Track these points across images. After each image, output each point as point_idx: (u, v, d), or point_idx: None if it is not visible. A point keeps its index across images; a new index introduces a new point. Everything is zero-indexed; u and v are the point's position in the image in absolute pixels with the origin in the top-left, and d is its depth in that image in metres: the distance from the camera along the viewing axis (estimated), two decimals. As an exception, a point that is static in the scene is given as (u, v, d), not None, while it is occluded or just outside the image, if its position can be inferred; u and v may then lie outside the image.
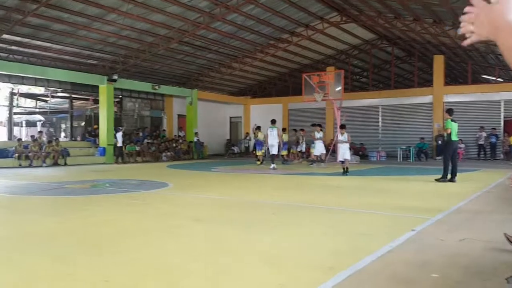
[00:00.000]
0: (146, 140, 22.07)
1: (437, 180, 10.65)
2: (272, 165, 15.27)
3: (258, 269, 3.53)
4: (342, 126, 13.88)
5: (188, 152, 23.73)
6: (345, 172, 12.85)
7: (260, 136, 18.39)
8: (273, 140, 16.36)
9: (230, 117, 30.15)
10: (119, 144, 19.32)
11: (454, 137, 10.77)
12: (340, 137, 13.55)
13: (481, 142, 20.73)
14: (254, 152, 19.47)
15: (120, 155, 19.47)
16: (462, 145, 20.74)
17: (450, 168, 10.62)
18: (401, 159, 21.55)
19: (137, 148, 21.02)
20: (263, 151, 18.40)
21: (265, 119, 26.97)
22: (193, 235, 4.89)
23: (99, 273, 3.41)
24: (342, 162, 13.33)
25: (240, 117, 29.46)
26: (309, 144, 19.45)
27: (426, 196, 8.34)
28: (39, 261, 3.77)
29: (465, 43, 1.41)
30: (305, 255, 3.99)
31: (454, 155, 11.07)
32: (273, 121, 17.09)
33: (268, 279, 3.26)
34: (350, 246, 4.29)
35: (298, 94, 22.83)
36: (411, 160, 21.19)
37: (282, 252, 4.09)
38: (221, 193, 8.84)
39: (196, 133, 24.10)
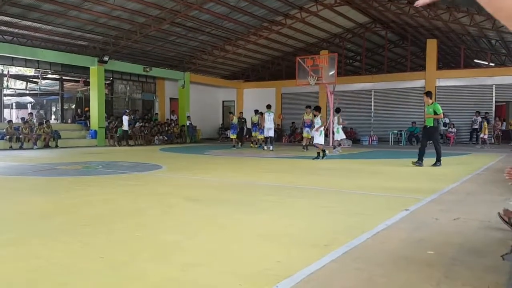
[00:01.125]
0: (138, 123, 21.93)
1: (433, 165, 10.31)
2: (271, 147, 16.56)
3: (255, 246, 3.54)
4: (317, 109, 13.13)
5: (180, 136, 23.65)
6: (318, 156, 12.25)
7: (235, 120, 19.07)
8: (270, 124, 16.89)
9: (223, 101, 30.04)
10: (125, 127, 19.31)
11: (430, 122, 10.33)
12: (315, 121, 12.93)
13: (475, 126, 20.86)
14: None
15: (125, 138, 19.46)
16: (454, 130, 20.90)
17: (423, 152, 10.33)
18: (392, 143, 21.69)
19: (129, 131, 20.88)
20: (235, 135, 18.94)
21: (258, 103, 26.95)
22: (188, 214, 4.88)
23: (94, 250, 3.39)
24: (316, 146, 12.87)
25: (233, 101, 29.36)
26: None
27: (418, 178, 8.40)
28: (33, 240, 3.74)
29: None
30: (301, 233, 4.00)
31: (430, 140, 10.65)
32: (269, 106, 17.70)
33: (265, 256, 3.27)
34: (345, 225, 4.31)
35: (292, 78, 22.76)
36: (403, 144, 21.33)
37: (278, 230, 4.11)
38: (215, 175, 8.85)
39: (188, 117, 24.00)
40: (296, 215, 4.82)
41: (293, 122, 25.60)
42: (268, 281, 2.70)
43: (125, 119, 19.38)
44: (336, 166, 10.71)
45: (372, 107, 24.39)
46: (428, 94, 10.57)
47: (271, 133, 16.90)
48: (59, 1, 15.28)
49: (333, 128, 17.10)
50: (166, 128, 23.21)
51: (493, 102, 21.31)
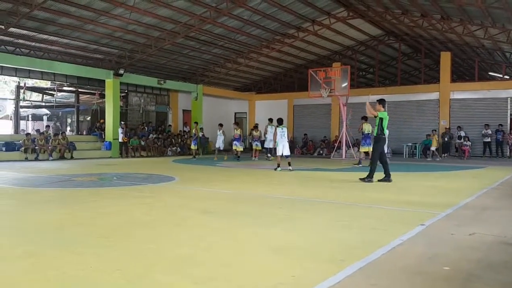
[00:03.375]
0: (152, 135, 22.13)
1: (361, 179, 9.73)
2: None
3: (269, 261, 3.54)
4: (280, 121, 13.22)
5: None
6: (278, 167, 12.65)
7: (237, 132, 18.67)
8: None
9: (235, 113, 30.14)
10: (120, 139, 19.55)
11: (386, 132, 10.05)
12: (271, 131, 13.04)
13: (487, 139, 20.62)
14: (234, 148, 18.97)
15: (123, 149, 19.68)
16: (468, 143, 20.67)
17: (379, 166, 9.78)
18: (406, 156, 21.50)
19: (142, 143, 21.07)
20: (241, 147, 18.68)
21: (270, 114, 26.89)
22: (202, 226, 4.90)
23: (110, 262, 3.42)
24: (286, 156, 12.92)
25: (245, 112, 29.46)
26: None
27: (433, 192, 8.31)
28: (50, 251, 3.79)
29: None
30: (316, 247, 3.99)
31: (383, 151, 10.07)
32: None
33: (280, 270, 3.26)
34: (360, 240, 4.28)
35: (304, 90, 22.80)
36: (417, 157, 21.13)
37: (292, 244, 4.10)
38: (227, 187, 8.86)
39: (201, 129, 24.09)
40: (310, 229, 4.80)
41: (305, 134, 25.58)
42: (283, 296, 2.69)
43: (120, 131, 19.54)
44: (348, 178, 10.64)
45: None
46: (381, 101, 10.00)
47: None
48: (75, 15, 15.59)
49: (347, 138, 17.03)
50: (179, 140, 23.36)
51: (508, 115, 21.04)
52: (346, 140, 19.40)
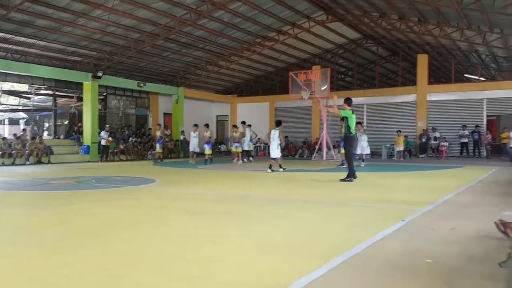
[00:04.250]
0: (131, 138, 21.88)
1: (342, 180, 9.70)
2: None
3: (254, 257, 3.53)
4: (278, 123, 13.41)
5: (174, 151, 23.59)
6: (271, 169, 12.61)
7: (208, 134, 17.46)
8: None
9: (217, 116, 30.07)
10: (102, 142, 19.34)
11: (354, 131, 10.16)
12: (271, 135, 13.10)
13: (464, 140, 21.07)
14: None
15: (104, 153, 19.49)
16: (446, 143, 21.07)
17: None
18: (385, 157, 21.78)
19: (122, 146, 20.82)
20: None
21: (252, 117, 27.01)
22: (185, 226, 4.86)
23: (94, 262, 3.37)
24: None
25: (227, 115, 29.41)
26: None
27: (412, 190, 8.45)
28: (33, 252, 3.71)
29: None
30: (299, 243, 4.00)
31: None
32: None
33: (265, 266, 3.27)
34: (343, 236, 4.32)
35: (285, 93, 22.91)
36: (396, 158, 21.42)
37: (276, 241, 4.11)
38: (210, 188, 8.83)
39: (182, 132, 23.96)
40: (294, 227, 4.82)
41: (286, 136, 25.67)
42: (269, 290, 2.69)
43: (103, 133, 19.26)
44: (330, 179, 10.71)
45: (365, 122, 24.52)
46: (347, 101, 10.16)
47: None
48: (53, 17, 15.35)
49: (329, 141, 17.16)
50: (160, 143, 23.14)
51: (485, 116, 21.54)
52: (326, 142, 19.55)
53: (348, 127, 9.96)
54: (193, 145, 18.36)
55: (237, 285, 2.83)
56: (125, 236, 4.34)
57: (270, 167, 12.80)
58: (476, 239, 4.18)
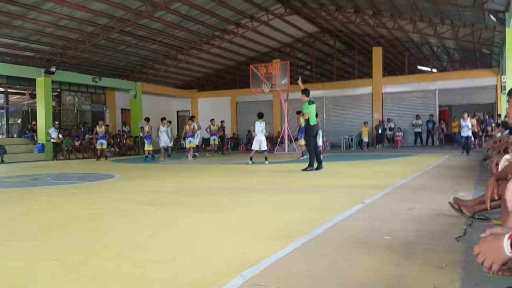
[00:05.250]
0: (88, 136, 21.24)
1: (304, 170, 9.71)
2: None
3: (217, 242, 3.50)
4: (260, 115, 13.25)
5: (133, 148, 23.10)
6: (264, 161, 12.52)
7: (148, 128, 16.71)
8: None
9: (177, 111, 29.71)
10: (53, 139, 18.39)
11: (313, 121, 10.04)
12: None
13: (417, 130, 21.82)
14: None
15: (54, 150, 18.60)
16: (400, 133, 21.75)
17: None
18: (344, 148, 22.25)
19: (77, 143, 20.17)
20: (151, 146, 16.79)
21: (214, 112, 26.90)
22: (146, 217, 4.76)
23: (48, 253, 3.23)
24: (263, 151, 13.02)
25: (188, 110, 29.12)
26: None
27: (370, 176, 8.66)
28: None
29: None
30: (263, 227, 4.00)
31: (316, 141, 10.24)
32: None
33: (228, 249, 3.24)
34: (305, 218, 4.36)
35: (246, 87, 22.93)
36: (354, 149, 21.92)
37: (239, 226, 4.09)
38: (171, 181, 8.72)
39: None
40: (257, 212, 4.83)
41: (248, 131, 25.70)
42: (233, 271, 2.66)
43: (51, 130, 18.23)
44: (291, 169, 10.82)
45: (324, 114, 24.93)
46: (304, 91, 10.28)
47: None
48: (3, 10, 14.64)
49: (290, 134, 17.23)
50: (118, 140, 22.60)
51: (437, 106, 22.39)
52: (288, 135, 19.73)
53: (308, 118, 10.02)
54: (164, 141, 17.05)
55: (198, 268, 2.78)
56: (82, 228, 4.19)
57: (266, 159, 12.62)
58: (433, 217, 4.31)
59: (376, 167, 10.83)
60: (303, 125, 14.84)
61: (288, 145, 19.88)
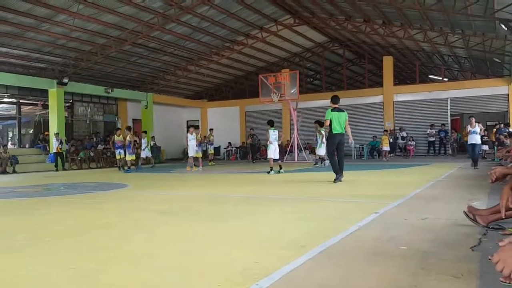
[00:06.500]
0: (100, 146, 21.44)
1: (334, 181, 9.01)
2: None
3: (231, 250, 3.50)
4: (271, 123, 12.94)
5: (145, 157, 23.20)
6: (279, 170, 12.44)
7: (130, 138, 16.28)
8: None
9: (187, 121, 29.86)
10: (53, 150, 18.50)
11: (337, 130, 9.25)
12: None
13: (431, 139, 21.68)
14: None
15: (61, 160, 18.68)
16: (413, 143, 21.61)
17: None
18: (355, 157, 22.14)
19: (91, 154, 20.36)
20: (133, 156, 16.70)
21: (223, 122, 27.00)
22: (160, 225, 4.78)
23: (64, 262, 3.26)
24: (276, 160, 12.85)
25: (198, 120, 29.25)
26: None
27: (383, 186, 8.61)
28: (-3, 255, 3.56)
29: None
30: (277, 237, 4.00)
31: (339, 150, 9.46)
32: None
33: (242, 258, 3.24)
34: (319, 228, 4.34)
35: (255, 96, 23.00)
36: (365, 158, 21.81)
37: (253, 235, 4.09)
38: (184, 190, 8.75)
39: (152, 137, 23.64)
40: (270, 221, 4.83)
41: (258, 140, 25.72)
42: (248, 280, 2.66)
43: (54, 140, 18.39)
44: (303, 178, 10.80)
45: (334, 123, 24.84)
46: (331, 98, 9.68)
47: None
48: (15, 22, 14.89)
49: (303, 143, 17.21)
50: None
51: (449, 115, 22.24)
52: (297, 144, 19.72)
53: (330, 128, 9.37)
54: (193, 149, 16.23)
55: (213, 276, 2.79)
56: (97, 236, 4.22)
57: (280, 168, 12.54)
58: (448, 227, 4.28)
59: (389, 177, 10.78)
60: (323, 132, 14.63)
61: (298, 154, 19.85)
